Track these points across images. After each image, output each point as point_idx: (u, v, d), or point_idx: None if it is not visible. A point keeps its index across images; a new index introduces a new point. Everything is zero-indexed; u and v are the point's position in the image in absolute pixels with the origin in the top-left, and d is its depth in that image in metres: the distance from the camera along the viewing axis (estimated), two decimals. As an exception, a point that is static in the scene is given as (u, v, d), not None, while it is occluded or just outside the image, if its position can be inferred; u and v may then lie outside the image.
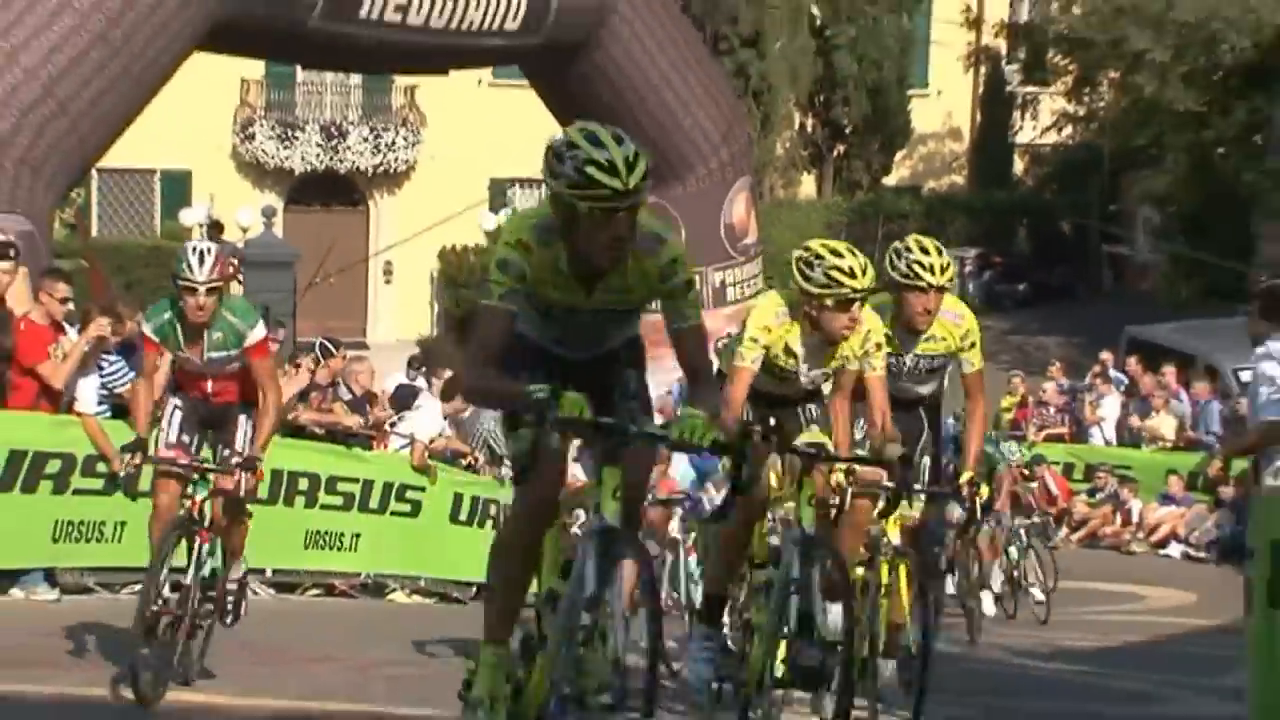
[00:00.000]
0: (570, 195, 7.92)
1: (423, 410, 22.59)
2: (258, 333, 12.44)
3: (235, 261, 14.83)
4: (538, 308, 8.62)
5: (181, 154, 44.97)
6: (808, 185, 48.58)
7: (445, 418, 22.79)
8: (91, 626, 16.00)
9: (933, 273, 11.96)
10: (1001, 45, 52.79)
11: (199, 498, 12.34)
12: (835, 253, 11.22)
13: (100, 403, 18.69)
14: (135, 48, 26.93)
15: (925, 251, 11.94)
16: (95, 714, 11.78)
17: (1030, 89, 52.12)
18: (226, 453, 12.45)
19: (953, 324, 12.45)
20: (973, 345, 12.39)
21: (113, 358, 19.19)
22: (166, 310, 12.16)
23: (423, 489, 21.45)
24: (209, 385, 12.54)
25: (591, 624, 7.86)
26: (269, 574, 20.34)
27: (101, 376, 18.81)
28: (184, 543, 12.71)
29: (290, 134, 49.87)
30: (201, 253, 11.94)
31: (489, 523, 21.12)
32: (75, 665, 13.52)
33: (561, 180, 7.96)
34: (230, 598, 13.61)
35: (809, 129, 48.09)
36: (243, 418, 12.51)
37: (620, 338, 9.24)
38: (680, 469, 17.59)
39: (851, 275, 11.08)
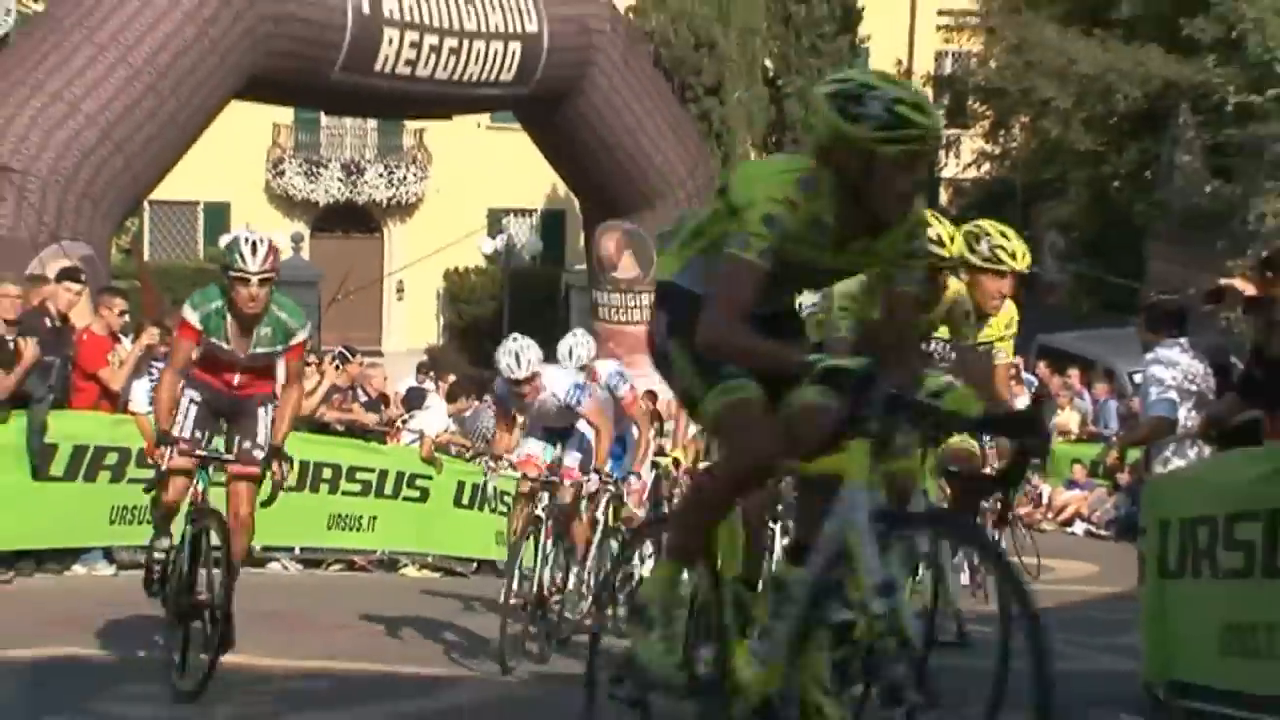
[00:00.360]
0: (878, 138, 6.66)
1: (430, 410, 22.61)
2: (304, 333, 11.59)
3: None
4: (775, 265, 7.08)
5: (221, 188, 44.93)
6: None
7: (450, 416, 22.88)
8: (142, 599, 16.10)
9: (1014, 258, 11.21)
10: (928, 93, 52.66)
11: (201, 487, 11.66)
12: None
13: (150, 403, 18.74)
14: (181, 97, 26.97)
15: (1005, 236, 11.14)
16: (147, 673, 11.61)
17: (953, 131, 51.90)
18: (247, 444, 11.44)
19: (1005, 312, 11.71)
20: (1012, 335, 11.73)
21: (161, 364, 19.27)
22: (216, 299, 10.96)
23: (430, 477, 21.25)
24: (236, 379, 11.44)
25: (885, 612, 6.30)
26: (297, 551, 20.46)
27: (151, 380, 18.89)
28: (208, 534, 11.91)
29: (315, 171, 49.82)
30: (254, 243, 10.77)
31: (487, 506, 20.77)
32: (130, 631, 13.47)
33: (867, 123, 6.67)
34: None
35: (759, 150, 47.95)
36: (261, 410, 11.50)
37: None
38: (536, 444, 15.43)
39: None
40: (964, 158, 51.60)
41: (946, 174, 52.15)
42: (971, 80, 49.99)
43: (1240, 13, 23.66)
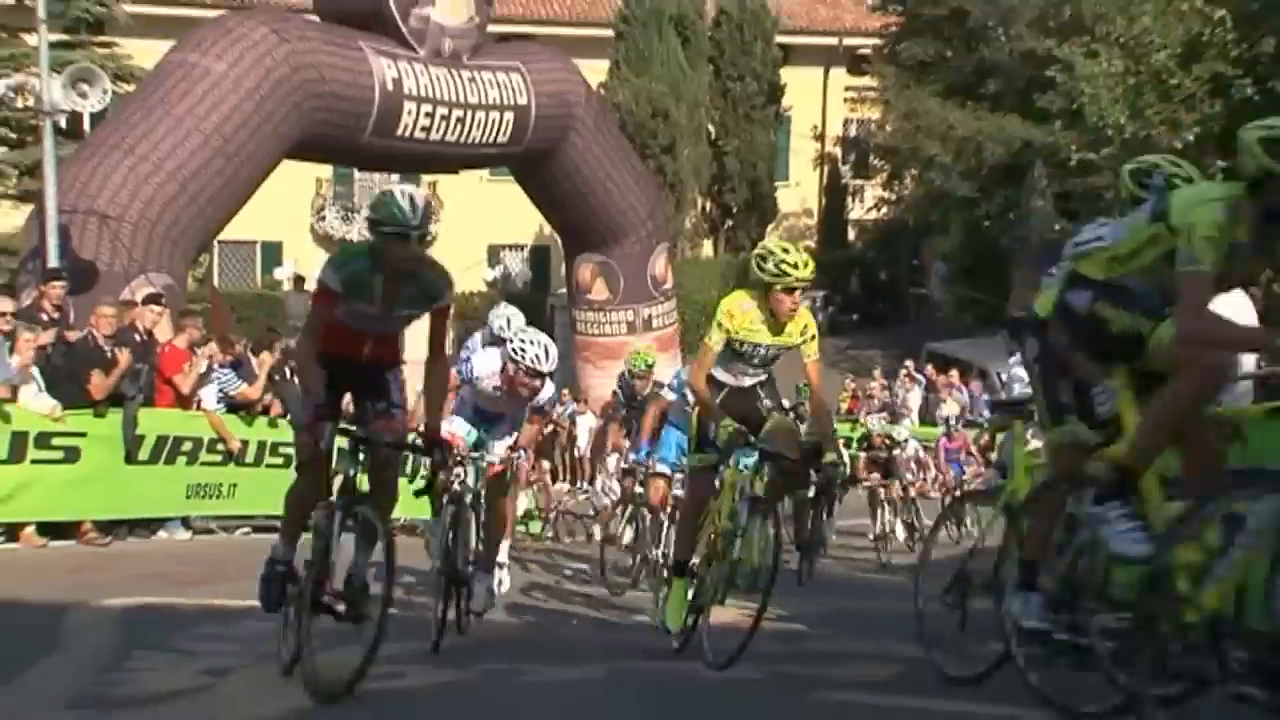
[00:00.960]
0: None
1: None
2: (449, 294, 9.36)
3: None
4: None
5: (275, 229, 44.74)
6: (707, 248, 48.48)
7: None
8: (213, 558, 16.10)
9: (798, 268, 10.57)
10: (838, 152, 52.84)
11: (352, 473, 8.78)
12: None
13: (218, 402, 18.83)
14: (242, 158, 26.98)
15: (788, 252, 10.58)
16: (220, 617, 11.56)
17: (858, 181, 52.08)
18: (383, 404, 9.19)
19: (799, 318, 11.02)
20: (813, 338, 10.96)
21: (225, 371, 19.32)
22: (363, 257, 8.79)
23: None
24: (368, 346, 9.17)
25: None
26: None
27: (219, 384, 18.96)
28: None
29: (349, 215, 49.65)
30: (411, 197, 8.59)
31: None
32: (203, 582, 13.52)
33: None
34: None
35: (708, 210, 48.04)
36: (390, 376, 9.37)
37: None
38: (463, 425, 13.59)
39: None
40: (866, 202, 51.87)
41: (853, 216, 52.40)
42: (872, 141, 50.24)
43: (1080, 90, 23.68)
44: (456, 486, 10.31)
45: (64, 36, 35.71)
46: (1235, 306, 8.79)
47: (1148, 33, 20.62)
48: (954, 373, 34.95)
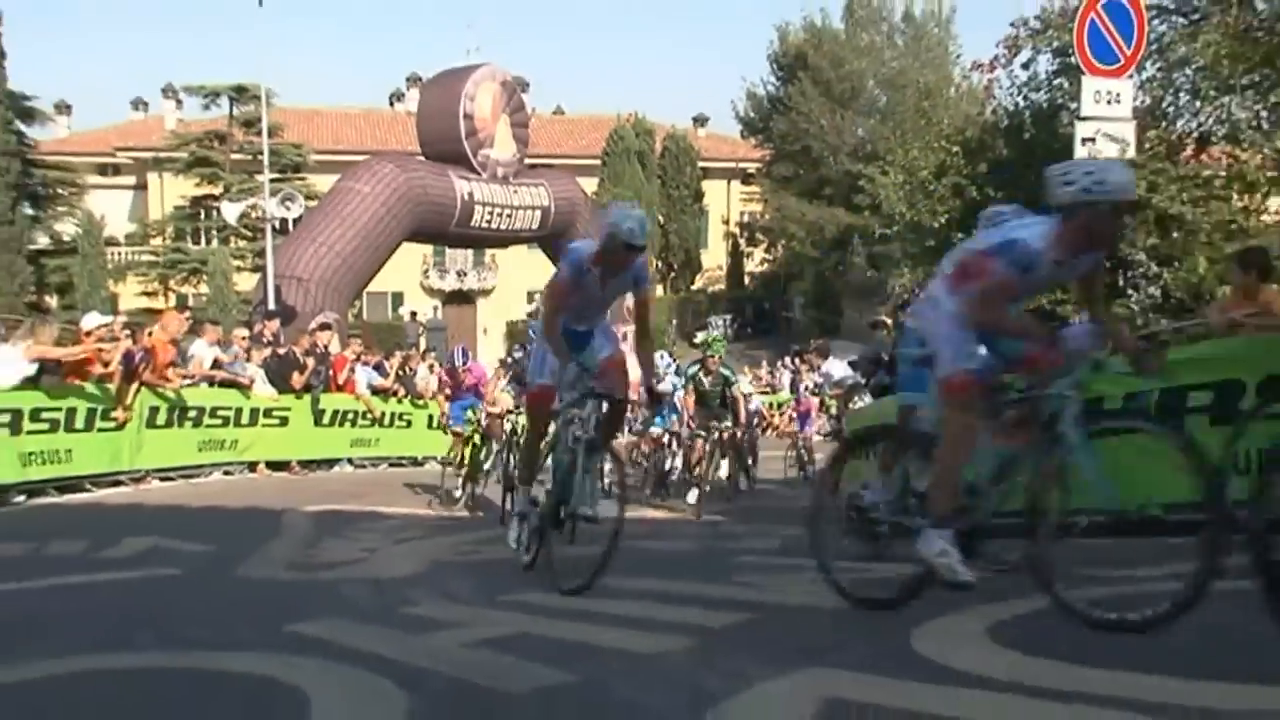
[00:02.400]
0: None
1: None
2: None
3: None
4: None
5: (398, 283, 44.70)
6: (658, 290, 48.53)
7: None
8: (367, 482, 16.23)
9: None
10: (737, 230, 52.92)
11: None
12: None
13: (366, 387, 18.89)
14: (378, 242, 27.13)
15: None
16: (372, 519, 11.70)
17: (750, 248, 52.08)
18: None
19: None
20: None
21: (371, 370, 19.43)
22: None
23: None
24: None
25: None
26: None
27: (368, 378, 19.05)
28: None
29: (444, 274, 49.81)
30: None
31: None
32: (362, 496, 13.56)
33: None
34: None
35: (658, 266, 48.23)
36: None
37: None
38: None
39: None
40: (755, 260, 51.97)
41: (747, 269, 52.44)
42: (757, 224, 50.35)
43: (878, 192, 23.88)
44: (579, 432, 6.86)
45: (277, 174, 36.00)
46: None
47: (915, 160, 20.76)
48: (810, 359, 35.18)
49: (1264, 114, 17.24)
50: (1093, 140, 11.18)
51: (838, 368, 15.66)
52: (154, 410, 14.99)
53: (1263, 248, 9.72)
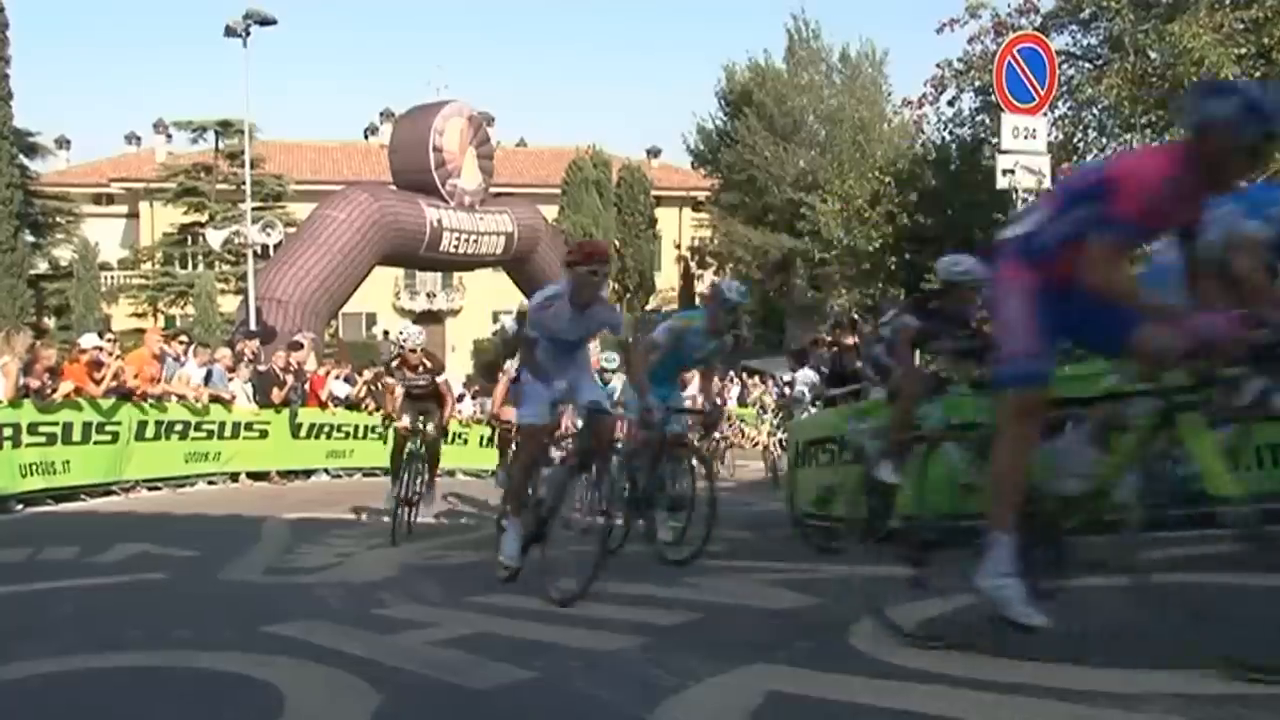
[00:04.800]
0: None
1: (465, 401, 22.32)
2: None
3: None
4: None
5: (371, 304, 44.67)
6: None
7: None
8: (342, 491, 16.06)
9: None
10: (688, 254, 53.04)
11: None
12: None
13: (346, 399, 18.72)
14: (351, 267, 27.04)
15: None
16: (346, 524, 11.62)
17: (700, 270, 52.22)
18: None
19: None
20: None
21: (342, 383, 19.24)
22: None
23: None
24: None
25: None
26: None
27: (349, 383, 18.85)
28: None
29: (414, 295, 49.69)
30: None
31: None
32: (337, 504, 13.37)
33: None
34: None
35: (614, 288, 48.21)
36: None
37: None
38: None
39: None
40: (705, 283, 52.05)
41: (698, 290, 52.62)
42: (707, 248, 50.42)
43: (818, 219, 24.10)
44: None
45: (259, 203, 35.81)
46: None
47: (851, 189, 20.95)
48: (757, 377, 34.93)
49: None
50: (1012, 171, 11.30)
51: (801, 380, 15.59)
52: (142, 424, 14.81)
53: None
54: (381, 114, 52.41)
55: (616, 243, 47.52)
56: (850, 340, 12.35)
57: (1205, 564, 4.68)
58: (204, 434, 15.98)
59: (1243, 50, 16.16)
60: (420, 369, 10.85)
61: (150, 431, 14.96)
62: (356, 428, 18.85)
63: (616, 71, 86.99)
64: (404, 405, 10.93)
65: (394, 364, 11.11)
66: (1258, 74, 16.40)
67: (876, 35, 73.10)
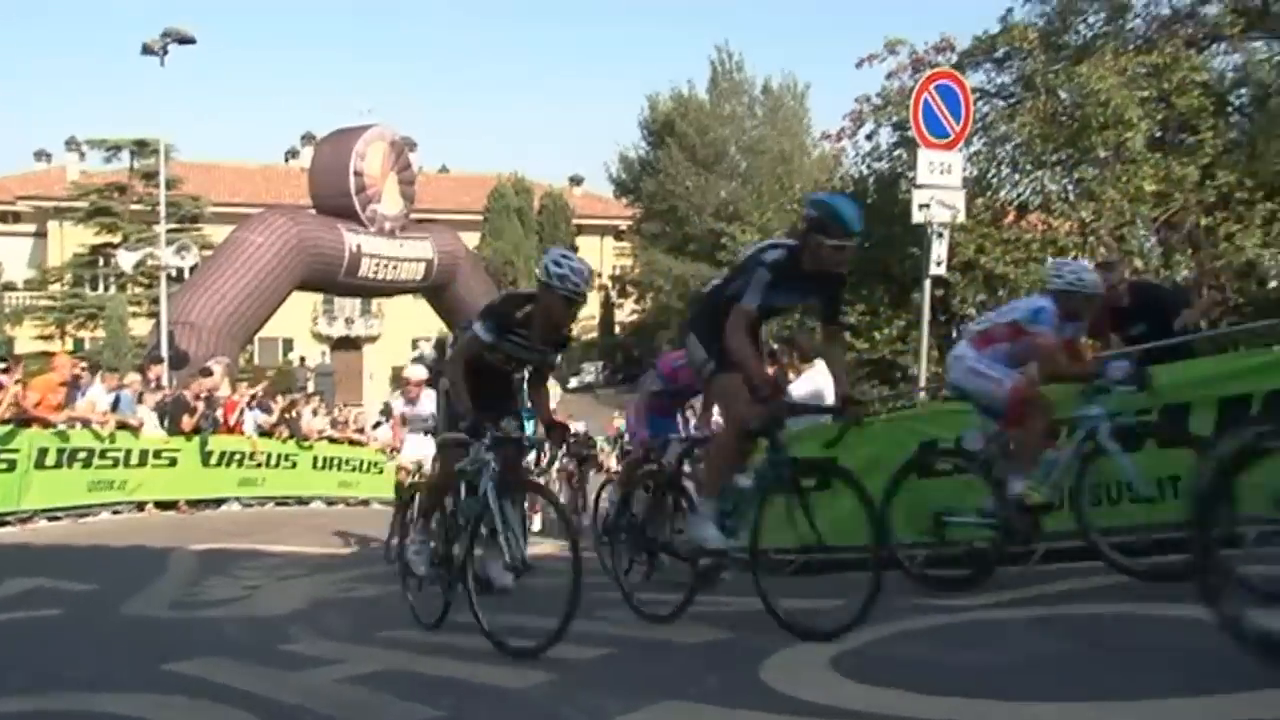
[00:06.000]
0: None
1: (381, 428, 21.88)
2: None
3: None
4: None
5: (288, 330, 44.08)
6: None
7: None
8: (252, 521, 15.73)
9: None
10: (609, 283, 53.13)
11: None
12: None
13: (255, 429, 18.35)
14: (270, 290, 26.70)
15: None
16: (255, 555, 11.39)
17: (620, 300, 52.36)
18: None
19: None
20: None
21: (259, 411, 18.89)
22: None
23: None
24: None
25: None
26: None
27: (255, 419, 18.51)
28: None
29: (333, 321, 49.16)
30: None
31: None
32: (247, 535, 13.14)
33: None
34: None
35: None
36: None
37: None
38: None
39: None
40: (626, 311, 52.21)
41: (618, 319, 52.70)
42: (628, 277, 50.66)
43: (737, 249, 24.18)
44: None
45: (175, 225, 35.22)
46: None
47: (769, 221, 21.12)
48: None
49: (1070, 187, 18.00)
50: (928, 206, 11.42)
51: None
52: (43, 451, 14.35)
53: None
54: (303, 137, 51.99)
55: (537, 272, 47.51)
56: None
57: (1107, 595, 4.74)
58: (109, 462, 15.52)
59: (1145, 93, 16.61)
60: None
61: (51, 459, 14.46)
62: (269, 456, 18.51)
63: (540, 99, 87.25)
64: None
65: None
66: (1159, 116, 16.90)
67: (799, 68, 74.29)
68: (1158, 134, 17.25)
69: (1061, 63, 17.92)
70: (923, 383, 11.96)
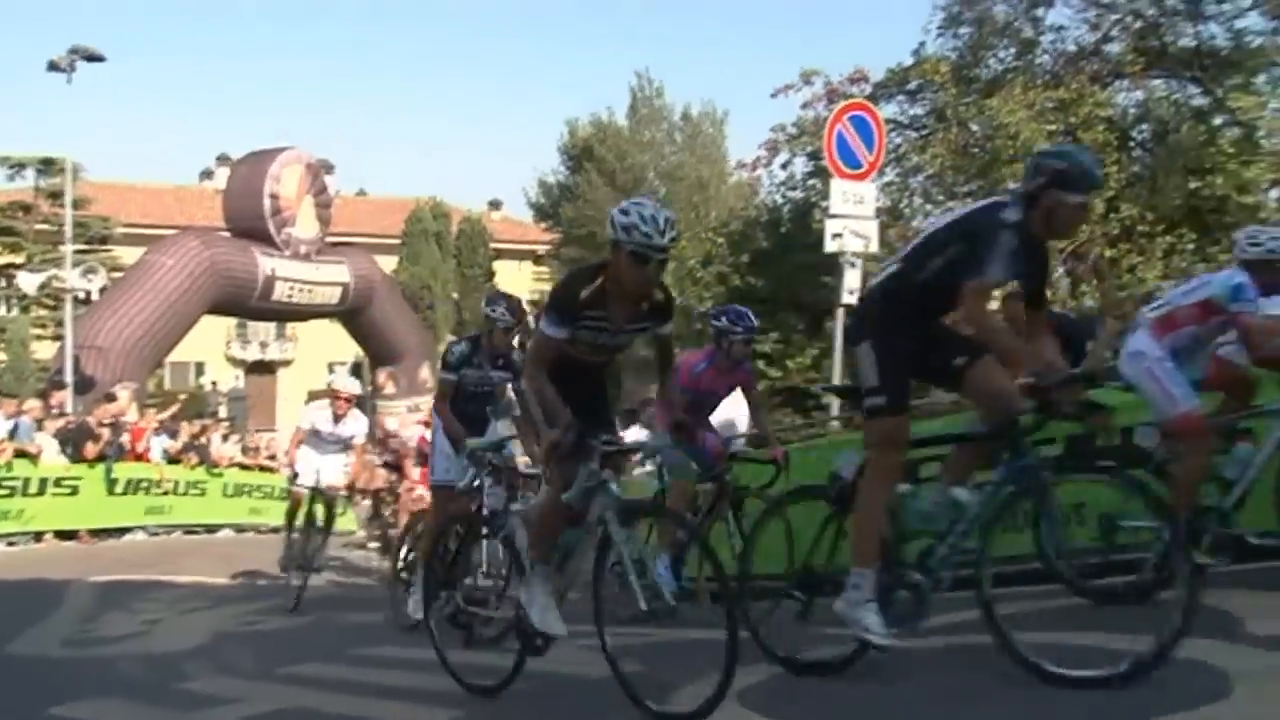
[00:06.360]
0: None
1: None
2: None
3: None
4: None
5: (200, 353, 43.17)
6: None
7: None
8: (156, 552, 15.28)
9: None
10: (529, 308, 52.64)
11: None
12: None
13: (162, 456, 17.90)
14: (181, 313, 26.13)
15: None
16: (157, 587, 11.09)
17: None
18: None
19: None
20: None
21: (165, 437, 18.42)
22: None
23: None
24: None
25: None
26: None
27: (163, 446, 18.07)
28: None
29: (246, 344, 48.31)
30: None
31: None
32: (151, 566, 12.77)
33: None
34: None
35: (456, 336, 47.49)
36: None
37: None
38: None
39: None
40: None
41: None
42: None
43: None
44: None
45: (84, 246, 34.38)
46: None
47: (685, 250, 21.17)
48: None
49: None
50: (841, 235, 11.53)
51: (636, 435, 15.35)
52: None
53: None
54: (218, 158, 51.10)
55: (455, 295, 47.05)
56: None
57: (1030, 622, 4.70)
58: (5, 491, 15.05)
59: (1053, 127, 16.97)
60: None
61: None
62: (177, 483, 18.10)
63: (460, 124, 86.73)
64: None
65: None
66: (1068, 149, 17.24)
67: (718, 96, 74.86)
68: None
69: (972, 96, 18.25)
70: (835, 411, 12.02)
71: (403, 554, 8.21)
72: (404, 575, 7.90)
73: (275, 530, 18.57)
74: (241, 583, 11.65)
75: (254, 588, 10.81)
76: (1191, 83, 18.12)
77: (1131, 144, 18.64)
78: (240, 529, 18.99)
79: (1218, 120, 17.26)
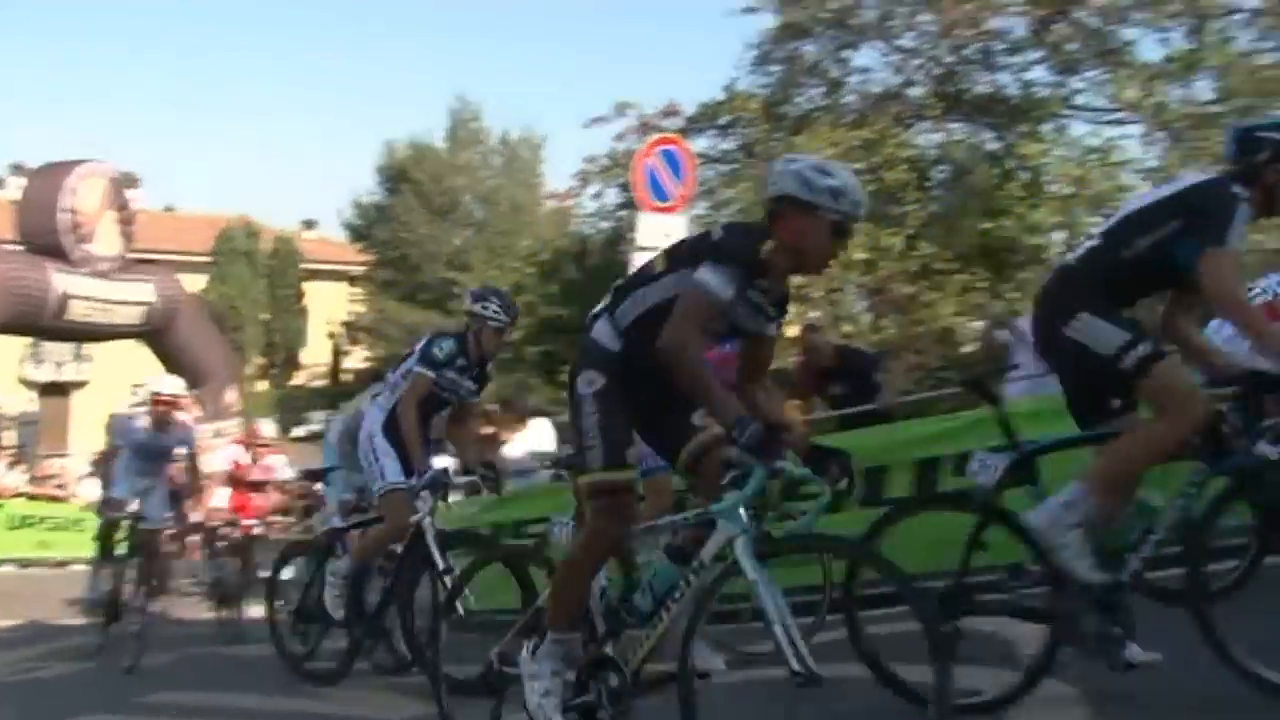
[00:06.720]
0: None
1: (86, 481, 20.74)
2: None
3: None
4: None
5: (-12, 373, 40.97)
6: (261, 386, 46.59)
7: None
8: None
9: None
10: (342, 329, 51.80)
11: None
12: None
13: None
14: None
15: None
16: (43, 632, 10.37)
17: (352, 346, 51.09)
18: None
19: None
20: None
21: None
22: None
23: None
24: None
25: None
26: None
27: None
28: None
29: (40, 363, 46.11)
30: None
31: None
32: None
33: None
34: None
35: (263, 364, 46.40)
36: None
37: None
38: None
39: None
40: (356, 358, 50.95)
41: (348, 365, 51.40)
42: (360, 323, 49.46)
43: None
44: None
45: None
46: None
47: (496, 279, 21.19)
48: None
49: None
50: (648, 267, 11.65)
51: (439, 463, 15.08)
52: None
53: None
54: (13, 167, 48.62)
55: (266, 316, 45.83)
56: (489, 430, 12.05)
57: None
58: None
59: (858, 165, 17.58)
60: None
61: None
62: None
63: (274, 141, 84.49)
64: None
65: None
66: (870, 188, 17.92)
67: (538, 122, 75.00)
68: (868, 205, 18.27)
69: (781, 133, 18.77)
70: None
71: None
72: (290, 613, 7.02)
73: (63, 564, 17.76)
74: (21, 623, 11.03)
75: (37, 629, 10.24)
76: (986, 128, 19.08)
77: (930, 184, 19.44)
78: (25, 564, 18.01)
79: (1009, 164, 18.19)
